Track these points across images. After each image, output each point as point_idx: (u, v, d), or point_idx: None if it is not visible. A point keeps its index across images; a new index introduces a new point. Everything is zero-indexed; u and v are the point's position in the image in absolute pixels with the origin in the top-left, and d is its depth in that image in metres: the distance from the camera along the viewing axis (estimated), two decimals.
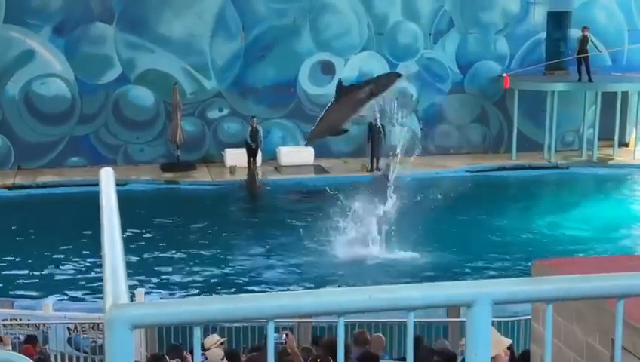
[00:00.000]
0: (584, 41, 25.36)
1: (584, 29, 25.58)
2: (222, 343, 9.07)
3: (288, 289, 13.69)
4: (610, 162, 26.44)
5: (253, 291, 15.75)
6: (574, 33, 27.05)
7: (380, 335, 9.59)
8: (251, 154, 24.42)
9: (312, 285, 16.38)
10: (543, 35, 27.63)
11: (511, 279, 2.01)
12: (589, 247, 18.92)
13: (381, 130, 25.04)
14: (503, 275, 15.82)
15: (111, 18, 25.16)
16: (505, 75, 26.22)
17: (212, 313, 1.86)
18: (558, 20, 27.68)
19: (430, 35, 26.95)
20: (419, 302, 1.94)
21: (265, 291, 15.55)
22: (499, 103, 27.54)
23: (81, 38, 25.10)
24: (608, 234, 20.10)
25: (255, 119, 24.65)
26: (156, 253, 18.62)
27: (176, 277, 17.40)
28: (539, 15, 27.50)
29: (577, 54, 25.50)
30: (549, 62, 27.23)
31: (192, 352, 8.51)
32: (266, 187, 24.15)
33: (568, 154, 27.19)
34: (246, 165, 24.35)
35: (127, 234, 18.07)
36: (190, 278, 17.38)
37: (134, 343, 1.82)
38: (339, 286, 15.56)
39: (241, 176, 24.25)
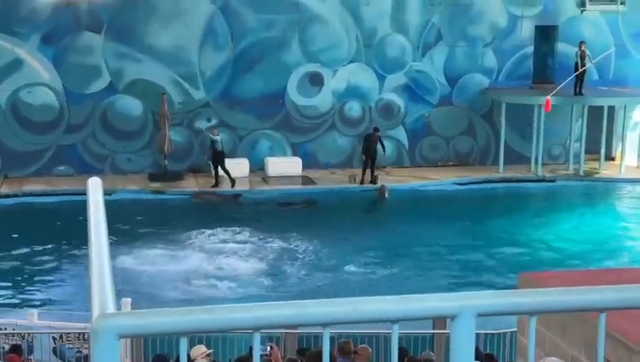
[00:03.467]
0: (583, 56, 25.41)
1: (581, 43, 25.62)
2: (208, 354, 9.03)
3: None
4: (596, 176, 26.51)
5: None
6: (561, 47, 27.16)
7: (366, 346, 9.57)
8: (217, 165, 24.30)
9: None
10: (531, 48, 27.72)
11: (495, 291, 2.01)
12: (575, 260, 18.96)
13: (380, 141, 24.95)
14: (488, 288, 15.83)
15: (99, 28, 25.12)
16: (547, 98, 24.47)
17: (199, 323, 1.86)
18: (545, 34, 27.77)
19: (418, 47, 27.00)
20: (403, 314, 1.94)
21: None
22: (486, 116, 27.60)
23: (69, 48, 25.05)
24: (594, 248, 20.17)
25: (216, 129, 24.72)
26: (142, 262, 18.54)
27: (163, 288, 17.33)
28: (526, 29, 27.59)
29: (578, 69, 25.35)
30: (544, 75, 27.01)
31: None
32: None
33: (555, 168, 27.26)
34: (234, 175, 24.26)
35: (114, 243, 17.99)
36: (178, 288, 17.33)
37: (120, 353, 1.82)
38: None
39: (227, 186, 24.18)
